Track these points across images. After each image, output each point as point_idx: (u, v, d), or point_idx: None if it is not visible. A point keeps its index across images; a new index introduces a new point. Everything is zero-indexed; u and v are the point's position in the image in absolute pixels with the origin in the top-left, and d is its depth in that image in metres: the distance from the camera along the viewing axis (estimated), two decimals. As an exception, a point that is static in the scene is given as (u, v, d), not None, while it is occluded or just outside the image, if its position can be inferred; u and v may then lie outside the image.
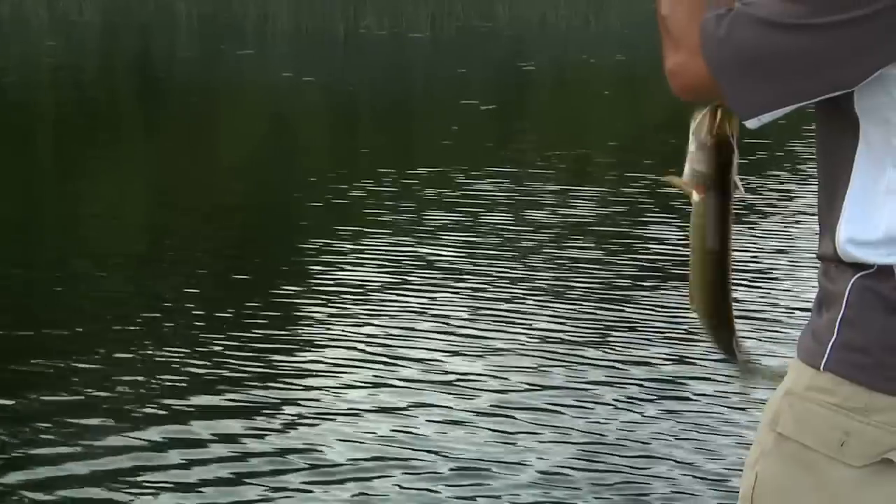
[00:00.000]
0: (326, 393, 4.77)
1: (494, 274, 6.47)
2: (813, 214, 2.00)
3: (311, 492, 3.93)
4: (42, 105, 13.45)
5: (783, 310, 5.94)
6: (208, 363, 5.09)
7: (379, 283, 6.23)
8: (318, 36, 20.27)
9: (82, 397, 4.71)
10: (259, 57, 17.64)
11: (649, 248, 7.09)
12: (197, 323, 5.71)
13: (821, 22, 1.67)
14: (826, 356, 1.78)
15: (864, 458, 1.77)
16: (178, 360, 5.14)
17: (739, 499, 1.90)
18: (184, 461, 4.12)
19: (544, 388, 4.80)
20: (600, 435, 4.37)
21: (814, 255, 2.19)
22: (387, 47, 19.59)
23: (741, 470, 1.90)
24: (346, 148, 11.12)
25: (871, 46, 1.67)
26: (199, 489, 3.95)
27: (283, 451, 4.19)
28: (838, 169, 1.78)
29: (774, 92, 1.74)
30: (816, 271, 1.84)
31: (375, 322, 5.62)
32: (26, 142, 11.05)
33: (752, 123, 1.76)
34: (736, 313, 2.08)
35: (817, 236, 1.85)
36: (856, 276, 1.76)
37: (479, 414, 4.51)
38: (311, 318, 5.78)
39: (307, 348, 5.35)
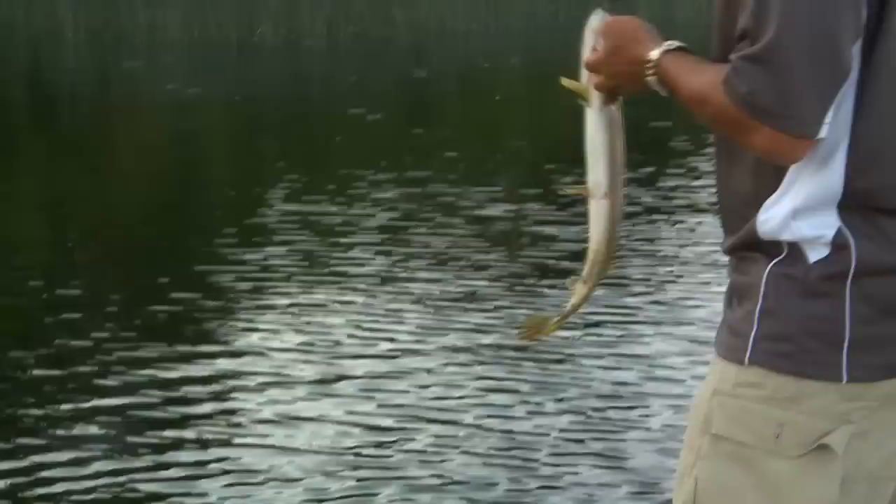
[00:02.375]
0: (248, 402, 4.89)
1: (403, 276, 6.71)
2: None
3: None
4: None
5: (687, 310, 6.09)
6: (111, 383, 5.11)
7: (284, 292, 6.40)
8: (210, 45, 20.06)
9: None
10: (146, 69, 17.43)
11: (551, 247, 7.25)
12: (103, 343, 5.68)
13: None
14: (749, 350, 1.79)
15: (800, 448, 1.77)
16: (82, 377, 5.17)
17: None
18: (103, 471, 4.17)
19: (463, 388, 4.99)
20: (512, 436, 4.49)
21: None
22: (280, 55, 19.47)
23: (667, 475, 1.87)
24: (229, 159, 11.07)
25: None
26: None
27: (208, 462, 4.29)
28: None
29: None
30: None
31: (284, 330, 5.81)
32: None
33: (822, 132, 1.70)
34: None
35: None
36: (770, 265, 1.78)
37: (392, 418, 4.68)
38: (218, 328, 5.91)
39: (217, 359, 5.43)
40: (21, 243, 8.09)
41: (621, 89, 1.99)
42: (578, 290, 2.11)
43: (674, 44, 1.90)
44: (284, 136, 12.57)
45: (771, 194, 1.81)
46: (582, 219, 2.03)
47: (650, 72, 1.88)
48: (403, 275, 6.76)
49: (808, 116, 1.69)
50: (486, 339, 5.58)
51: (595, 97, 2.01)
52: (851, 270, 1.75)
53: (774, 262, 1.79)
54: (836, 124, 1.73)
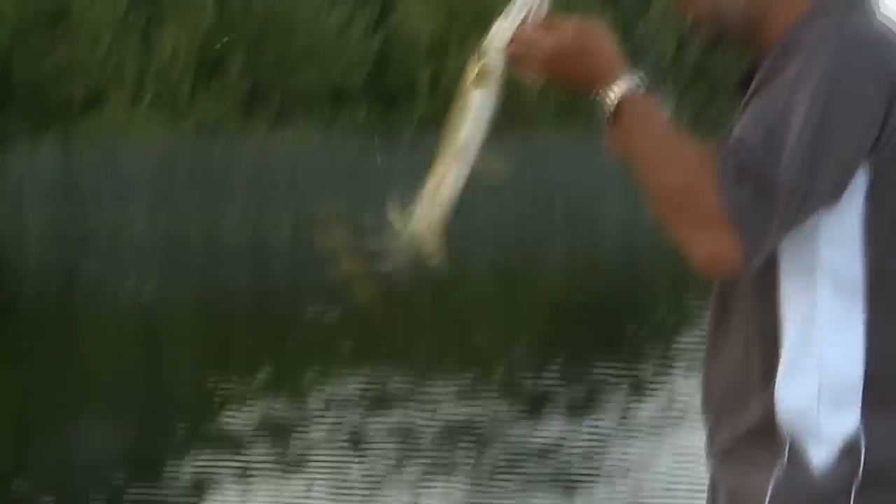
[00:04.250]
0: None
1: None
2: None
3: None
4: None
5: None
6: None
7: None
8: (174, 244, 20.21)
9: None
10: (103, 268, 17.48)
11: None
12: None
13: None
14: None
15: None
16: None
17: None
18: None
19: None
20: None
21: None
22: (243, 255, 19.63)
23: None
24: (187, 359, 11.00)
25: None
26: None
27: None
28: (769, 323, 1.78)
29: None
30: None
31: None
32: None
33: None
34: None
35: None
36: (777, 466, 1.72)
37: None
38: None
39: None
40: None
41: (546, 81, 1.92)
42: (404, 239, 1.95)
43: (644, 79, 1.84)
44: (238, 335, 12.55)
45: (783, 373, 1.77)
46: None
47: (610, 101, 1.82)
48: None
49: (765, 247, 1.73)
50: None
51: (498, 68, 1.92)
52: (857, 482, 1.71)
53: (780, 461, 1.74)
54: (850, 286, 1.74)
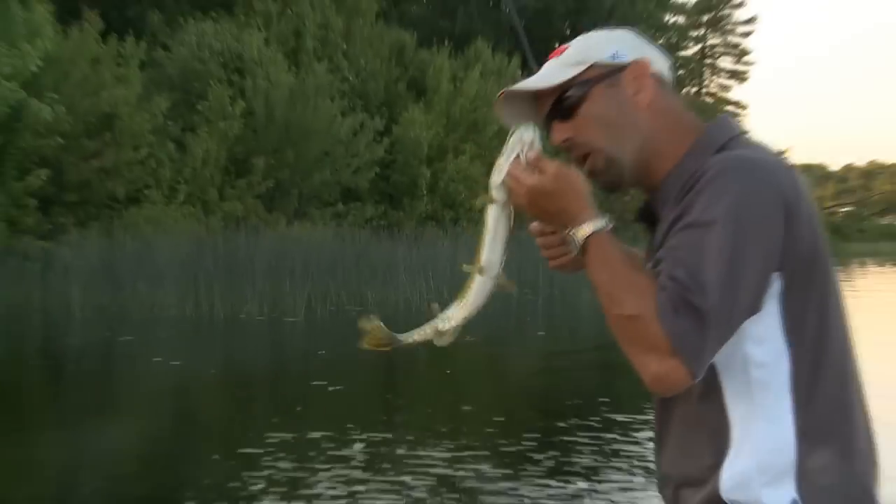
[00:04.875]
0: None
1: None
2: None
3: None
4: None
5: None
6: None
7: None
8: (199, 322, 20.13)
9: None
10: (138, 343, 17.40)
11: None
12: None
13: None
14: None
15: None
16: None
17: None
18: None
19: None
20: None
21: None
22: (261, 330, 19.54)
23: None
24: (210, 425, 10.94)
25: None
26: None
27: None
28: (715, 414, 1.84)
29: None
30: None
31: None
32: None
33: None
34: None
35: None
36: None
37: None
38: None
39: None
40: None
41: (531, 214, 2.00)
42: (428, 330, 2.09)
43: (608, 223, 1.89)
44: (256, 404, 12.48)
45: (727, 455, 1.81)
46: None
47: (579, 239, 1.88)
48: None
49: (705, 363, 1.78)
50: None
51: (501, 197, 2.00)
52: None
53: None
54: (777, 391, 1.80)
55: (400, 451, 8.91)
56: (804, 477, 1.75)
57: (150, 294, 21.81)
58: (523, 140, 1.96)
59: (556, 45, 2.11)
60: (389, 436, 9.73)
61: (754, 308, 1.79)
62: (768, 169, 1.82)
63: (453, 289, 2.10)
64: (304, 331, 19.46)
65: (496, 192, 2.00)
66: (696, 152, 1.88)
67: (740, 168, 1.79)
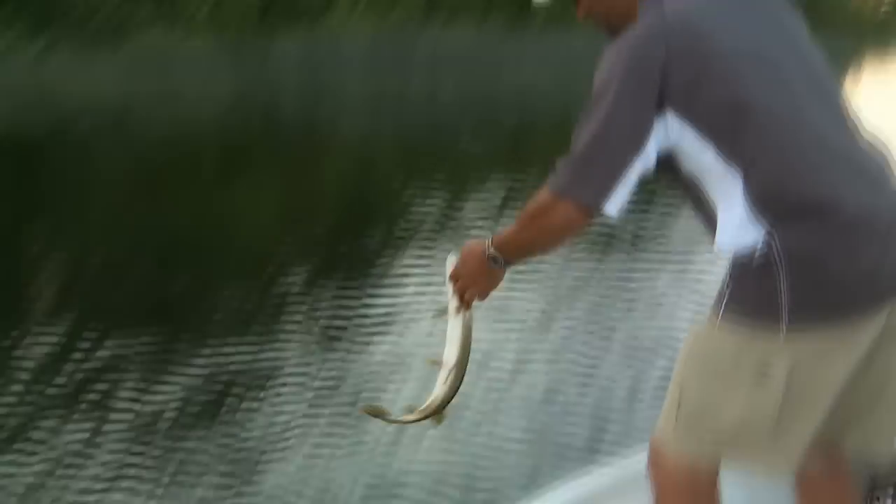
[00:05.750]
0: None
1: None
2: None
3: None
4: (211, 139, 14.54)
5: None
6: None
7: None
8: (379, 99, 20.30)
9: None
10: (335, 115, 17.80)
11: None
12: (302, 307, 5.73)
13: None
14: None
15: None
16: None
17: None
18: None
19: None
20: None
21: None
22: (425, 106, 19.24)
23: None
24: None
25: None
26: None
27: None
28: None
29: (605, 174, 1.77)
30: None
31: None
32: (195, 165, 12.08)
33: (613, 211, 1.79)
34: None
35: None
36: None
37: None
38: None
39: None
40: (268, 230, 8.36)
41: (477, 288, 2.04)
42: (407, 417, 2.10)
43: (490, 233, 1.98)
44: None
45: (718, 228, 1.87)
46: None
47: (492, 250, 1.95)
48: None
49: (598, 196, 1.75)
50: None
51: (453, 306, 2.06)
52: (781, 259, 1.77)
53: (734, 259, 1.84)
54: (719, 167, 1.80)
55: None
56: (771, 216, 1.76)
57: (337, 79, 22.94)
58: (450, 262, 2.08)
59: None
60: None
61: (636, 143, 1.72)
62: (645, 23, 1.79)
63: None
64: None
65: (449, 297, 2.09)
66: (644, 8, 1.82)
67: (642, 24, 1.79)
